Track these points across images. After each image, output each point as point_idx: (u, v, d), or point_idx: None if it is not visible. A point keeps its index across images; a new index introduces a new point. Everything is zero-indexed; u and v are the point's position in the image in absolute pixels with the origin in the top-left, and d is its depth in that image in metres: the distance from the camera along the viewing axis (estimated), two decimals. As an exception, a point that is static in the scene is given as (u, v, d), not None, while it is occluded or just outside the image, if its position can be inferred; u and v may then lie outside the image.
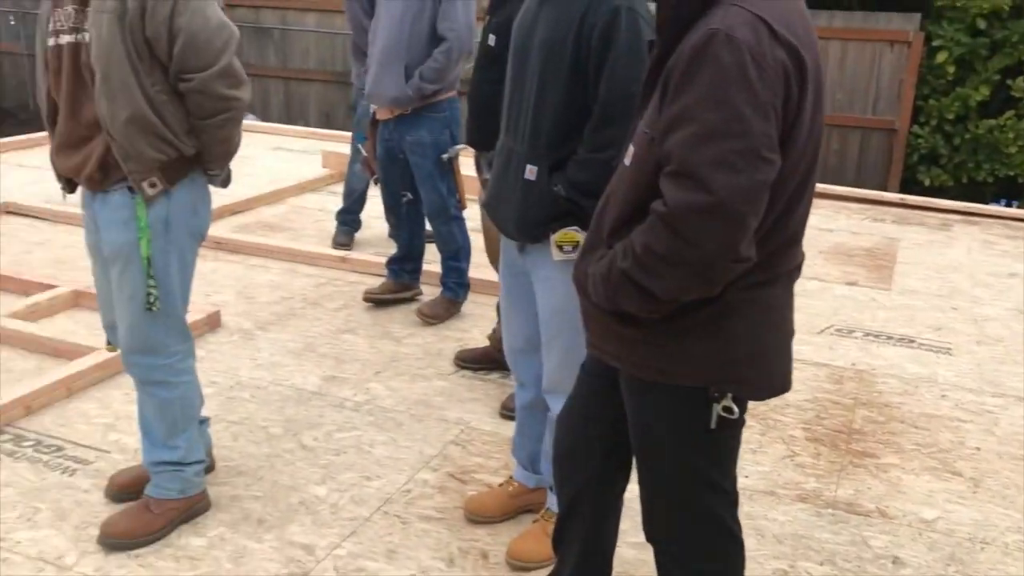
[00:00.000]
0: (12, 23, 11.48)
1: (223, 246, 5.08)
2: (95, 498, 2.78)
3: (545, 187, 2.25)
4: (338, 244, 5.29)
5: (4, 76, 12.30)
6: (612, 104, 2.17)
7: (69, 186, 2.60)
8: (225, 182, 2.67)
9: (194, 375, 2.67)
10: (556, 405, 2.40)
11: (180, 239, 2.52)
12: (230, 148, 2.54)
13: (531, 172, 2.27)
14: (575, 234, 2.26)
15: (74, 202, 5.24)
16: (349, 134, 5.64)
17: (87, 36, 2.34)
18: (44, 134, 8.35)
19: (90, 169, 2.42)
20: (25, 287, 4.41)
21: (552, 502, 2.55)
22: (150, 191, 2.42)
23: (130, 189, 2.42)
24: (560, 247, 2.27)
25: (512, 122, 2.35)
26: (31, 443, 3.08)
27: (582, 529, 2.08)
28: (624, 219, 1.68)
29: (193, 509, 2.68)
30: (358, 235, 5.47)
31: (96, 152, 2.40)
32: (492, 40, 3.17)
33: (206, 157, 2.52)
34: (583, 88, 2.21)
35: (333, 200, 6.03)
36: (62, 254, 5.02)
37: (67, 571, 2.46)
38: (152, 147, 2.39)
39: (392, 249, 4.67)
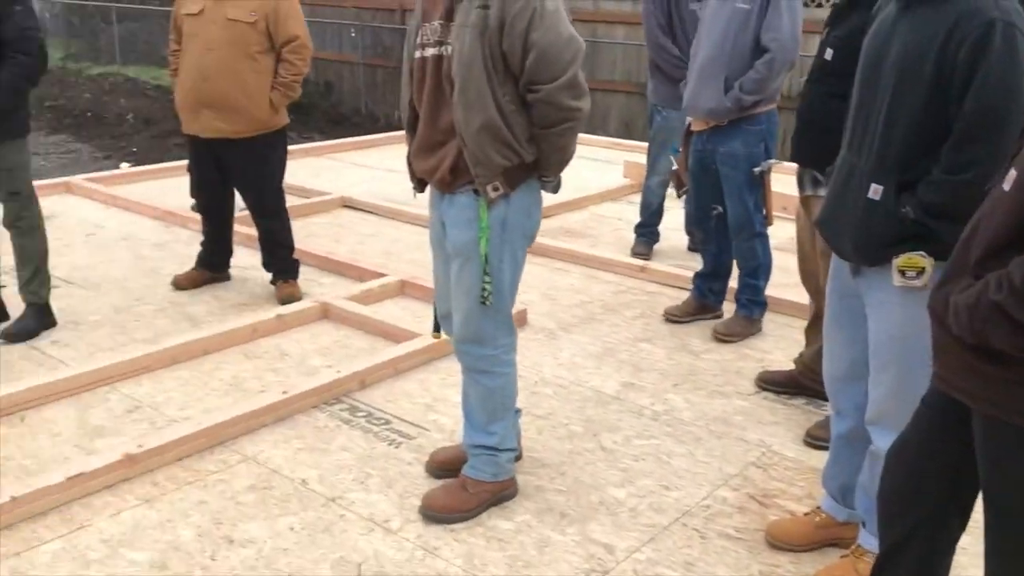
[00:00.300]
0: (353, 35, 12.77)
1: (529, 248, 5.31)
2: (416, 471, 3.03)
3: (891, 207, 2.14)
4: (636, 254, 5.36)
5: (343, 83, 13.72)
6: (976, 123, 2.03)
7: (420, 186, 2.85)
8: (556, 188, 2.81)
9: (514, 368, 2.83)
10: (879, 438, 2.29)
11: (514, 240, 2.69)
12: (566, 156, 2.67)
13: (876, 191, 2.17)
14: (920, 259, 2.13)
15: (402, 200, 5.69)
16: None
17: (449, 49, 2.56)
18: (375, 136, 9.27)
19: (442, 172, 2.64)
20: (360, 274, 4.89)
21: (866, 539, 2.42)
22: (493, 194, 2.60)
23: (475, 191, 2.61)
24: (902, 272, 2.15)
25: (857, 138, 2.26)
26: (364, 414, 3.42)
27: (907, 574, 1.95)
28: (998, 247, 1.56)
29: (503, 493, 2.85)
30: (656, 246, 5.51)
31: (449, 156, 2.62)
32: (829, 54, 3.07)
33: (543, 164, 2.66)
34: (943, 105, 2.08)
35: (632, 210, 6.12)
36: (390, 246, 5.52)
37: (392, 535, 2.70)
38: (499, 153, 2.57)
39: (692, 262, 4.66)
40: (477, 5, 2.50)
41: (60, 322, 4.16)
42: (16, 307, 4.13)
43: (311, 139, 10.68)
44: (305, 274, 4.78)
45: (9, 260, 4.14)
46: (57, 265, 4.33)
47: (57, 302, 4.23)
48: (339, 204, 6.40)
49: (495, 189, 2.60)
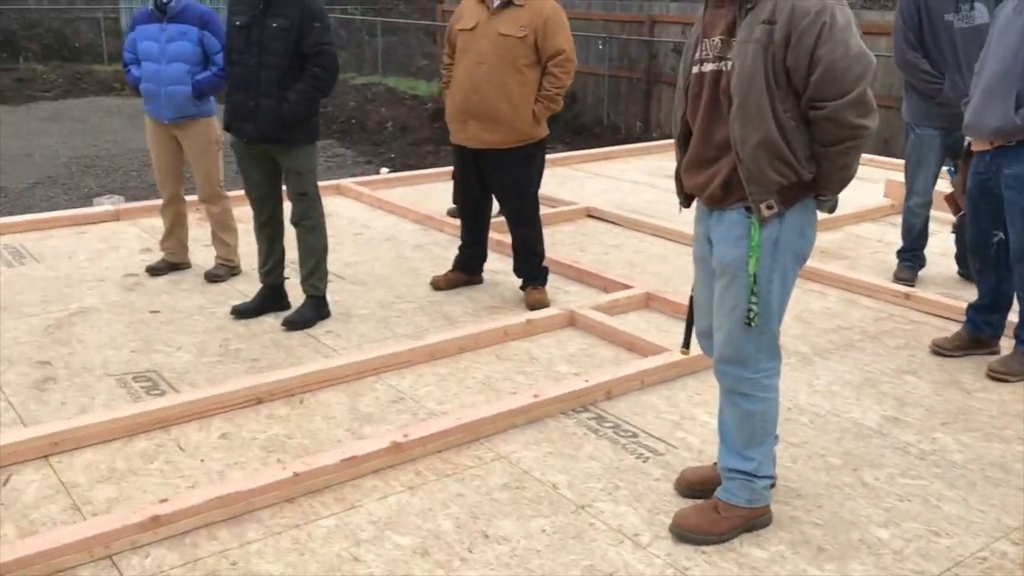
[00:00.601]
0: (600, 47, 12.94)
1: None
2: (665, 487, 3.01)
3: None
4: (900, 279, 5.04)
5: (587, 94, 13.93)
6: None
7: (687, 201, 2.83)
8: (832, 208, 2.71)
9: (777, 393, 2.74)
10: None
11: (785, 260, 2.61)
12: (848, 175, 2.56)
13: None
14: None
15: (645, 211, 5.67)
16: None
17: (729, 64, 2.53)
18: (618, 148, 9.33)
19: (713, 188, 2.61)
20: (605, 284, 4.94)
21: None
22: (766, 212, 2.53)
23: (747, 209, 2.56)
24: None
25: None
26: (611, 425, 3.45)
27: None
28: None
29: (756, 520, 2.76)
30: (922, 272, 5.15)
31: (722, 172, 2.58)
32: None
33: (822, 183, 2.57)
34: None
35: (893, 232, 5.78)
36: (634, 258, 5.53)
37: (642, 549, 2.69)
38: (775, 171, 2.50)
39: (962, 291, 4.30)
40: (762, 20, 2.45)
41: (333, 313, 4.52)
42: (296, 298, 4.53)
43: (554, 149, 10.93)
44: (551, 281, 4.88)
45: (293, 254, 4.55)
46: (330, 261, 4.69)
47: (330, 295, 4.59)
48: (583, 214, 6.50)
49: (769, 207, 2.53)
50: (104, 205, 7.13)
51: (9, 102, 15.95)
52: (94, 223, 6.14)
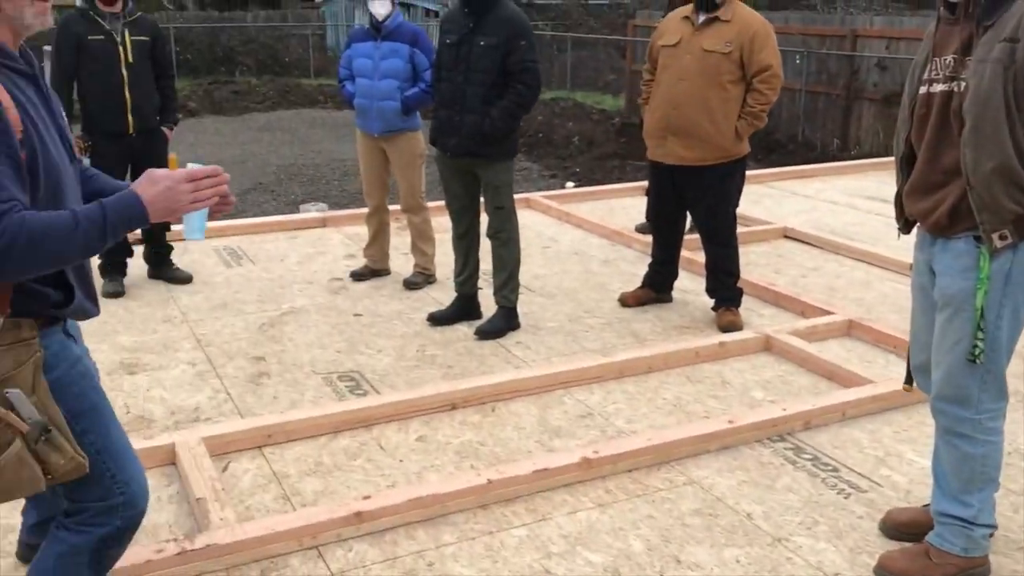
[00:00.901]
0: (797, 62, 12.51)
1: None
2: (868, 526, 2.86)
3: None
4: None
5: (782, 110, 13.48)
6: None
7: (907, 227, 2.69)
8: (1072, 240, 2.49)
9: (1001, 436, 2.55)
10: None
11: (1017, 294, 2.42)
12: (1096, 206, 2.35)
13: None
14: None
15: (845, 233, 5.41)
16: None
17: (962, 85, 2.38)
18: (817, 166, 8.97)
19: (940, 214, 2.47)
20: (802, 308, 4.76)
21: None
22: (998, 243, 2.37)
23: (976, 238, 2.40)
24: None
25: None
26: (809, 457, 3.31)
27: None
28: None
29: (972, 571, 2.57)
30: None
31: (949, 199, 2.44)
32: None
33: (1065, 213, 2.37)
34: None
35: None
36: (834, 282, 5.29)
37: (843, 590, 2.58)
38: (1011, 199, 2.33)
39: None
40: (1003, 39, 2.30)
41: (522, 325, 4.60)
42: (488, 307, 4.65)
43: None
44: (745, 303, 4.76)
45: (487, 265, 4.66)
46: (520, 273, 4.79)
47: (520, 307, 4.67)
48: (780, 234, 6.30)
49: (1002, 238, 2.37)
50: (311, 212, 7.59)
51: (227, 113, 17.30)
52: (303, 228, 6.54)
